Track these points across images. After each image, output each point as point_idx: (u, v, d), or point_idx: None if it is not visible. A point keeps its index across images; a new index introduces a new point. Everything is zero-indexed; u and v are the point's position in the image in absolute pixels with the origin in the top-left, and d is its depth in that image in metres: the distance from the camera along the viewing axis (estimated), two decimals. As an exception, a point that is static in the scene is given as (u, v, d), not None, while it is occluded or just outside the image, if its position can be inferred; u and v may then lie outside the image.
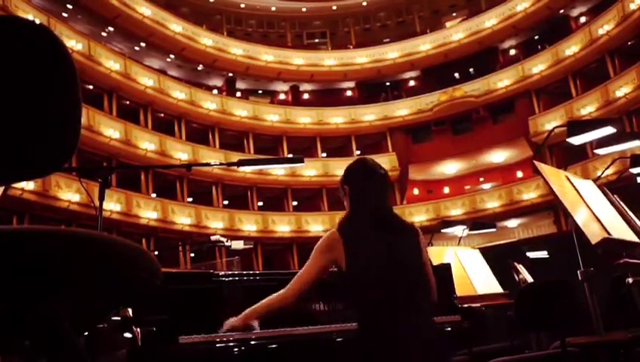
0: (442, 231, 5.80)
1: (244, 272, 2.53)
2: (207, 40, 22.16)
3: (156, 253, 15.41)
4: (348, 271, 1.99)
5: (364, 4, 26.11)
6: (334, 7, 26.03)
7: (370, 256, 1.99)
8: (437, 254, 4.36)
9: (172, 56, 22.16)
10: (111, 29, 20.32)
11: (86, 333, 1.37)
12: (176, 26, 21.29)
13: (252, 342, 2.09)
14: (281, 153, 22.02)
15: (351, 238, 2.01)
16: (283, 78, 24.32)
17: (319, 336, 2.24)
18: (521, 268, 3.97)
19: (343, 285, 2.04)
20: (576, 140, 3.10)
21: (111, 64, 17.83)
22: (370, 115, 23.27)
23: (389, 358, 1.89)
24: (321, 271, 2.04)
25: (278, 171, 20.51)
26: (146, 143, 18.00)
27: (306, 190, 21.81)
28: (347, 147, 23.32)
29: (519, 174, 20.57)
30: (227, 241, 4.13)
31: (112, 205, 15.47)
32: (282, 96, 25.58)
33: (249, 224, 19.52)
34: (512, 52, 23.57)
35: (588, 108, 18.14)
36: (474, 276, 4.17)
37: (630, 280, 2.59)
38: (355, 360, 2.01)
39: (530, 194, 19.11)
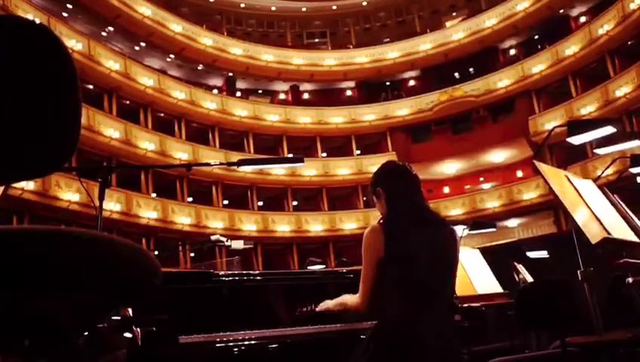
0: (442, 231, 5.78)
1: (244, 272, 2.53)
2: (207, 40, 22.16)
3: (156, 253, 15.41)
4: (387, 265, 2.03)
5: (364, 4, 26.11)
6: (334, 7, 26.03)
7: (413, 251, 2.04)
8: (437, 254, 4.36)
9: (172, 56, 22.16)
10: (111, 28, 20.31)
11: (86, 333, 1.37)
12: (176, 26, 21.28)
13: (252, 342, 2.09)
14: (281, 153, 22.02)
15: (393, 235, 2.05)
16: (283, 77, 24.32)
17: (319, 336, 2.24)
18: (521, 268, 3.97)
19: (380, 278, 2.07)
20: (576, 140, 3.10)
21: (111, 64, 17.83)
22: (370, 114, 23.27)
23: (412, 354, 1.93)
24: (378, 267, 2.06)
25: (278, 171, 20.51)
26: (146, 143, 17.99)
27: (306, 190, 21.81)
28: (347, 147, 23.33)
29: (519, 174, 20.58)
30: (227, 241, 4.13)
31: (112, 205, 15.47)
32: (282, 96, 25.58)
33: (249, 224, 19.53)
34: (512, 52, 23.56)
35: (588, 108, 18.14)
36: (474, 276, 4.17)
37: (630, 280, 2.59)
38: (380, 353, 2.02)
39: (530, 194, 19.11)
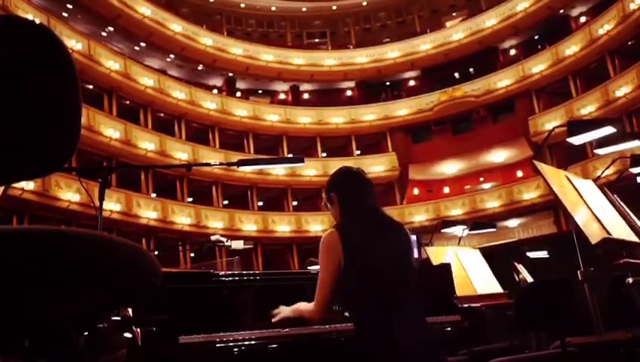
0: (442, 231, 5.80)
1: (244, 272, 2.53)
2: (207, 40, 22.16)
3: (156, 253, 15.41)
4: (346, 270, 2.01)
5: (364, 4, 26.11)
6: (334, 7, 26.03)
7: (368, 253, 2.03)
8: (437, 254, 4.36)
9: (172, 56, 22.16)
10: (111, 28, 20.32)
11: (86, 333, 1.37)
12: (176, 26, 21.29)
13: (252, 342, 2.10)
14: (281, 153, 22.02)
15: (348, 238, 2.04)
16: (283, 77, 24.32)
17: (319, 336, 2.24)
18: (521, 268, 3.96)
19: (341, 284, 2.05)
20: (577, 140, 3.10)
21: (111, 64, 17.83)
22: (370, 114, 23.27)
23: (388, 356, 1.91)
24: (336, 272, 2.03)
25: (278, 171, 20.51)
26: (146, 143, 18.00)
27: (306, 190, 21.80)
28: (347, 147, 23.33)
29: (519, 174, 20.57)
30: (227, 241, 4.13)
31: (112, 205, 15.47)
32: (282, 96, 25.58)
33: (249, 224, 19.53)
34: (512, 52, 23.57)
35: (588, 108, 18.14)
36: (474, 276, 4.17)
37: (630, 280, 2.59)
38: (354, 359, 2.01)
39: (530, 194, 19.11)
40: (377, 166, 22.40)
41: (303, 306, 2.13)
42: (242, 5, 25.19)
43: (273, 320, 2.16)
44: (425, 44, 23.83)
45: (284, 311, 2.17)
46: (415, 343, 1.93)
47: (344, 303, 2.12)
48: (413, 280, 2.10)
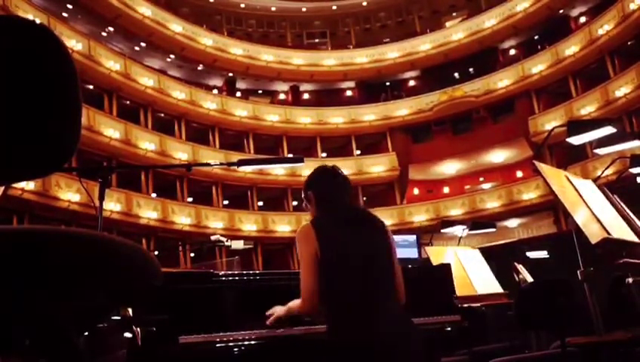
0: (442, 231, 5.80)
1: (244, 272, 2.53)
2: (207, 40, 22.16)
3: (156, 253, 15.41)
4: (321, 265, 2.00)
5: (364, 4, 26.11)
6: (334, 7, 26.03)
7: (343, 250, 2.02)
8: (437, 254, 4.36)
9: (172, 56, 22.16)
10: (111, 29, 20.32)
11: (86, 333, 1.37)
12: (176, 26, 21.29)
13: (252, 342, 2.09)
14: (281, 153, 22.02)
15: (323, 233, 2.04)
16: (283, 78, 24.33)
17: (319, 336, 2.24)
18: (521, 268, 3.97)
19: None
20: (576, 140, 3.10)
21: (111, 64, 17.83)
22: (370, 114, 23.27)
23: (365, 352, 1.88)
24: (315, 261, 2.01)
25: (278, 171, 20.50)
26: (146, 143, 18.00)
27: (306, 190, 21.76)
28: (347, 147, 23.33)
29: (519, 174, 20.57)
30: (227, 241, 4.13)
31: (112, 205, 15.47)
32: (282, 96, 25.58)
33: (249, 224, 19.53)
34: (512, 52, 23.57)
35: (588, 108, 18.15)
36: (474, 276, 4.17)
37: (630, 280, 2.59)
38: (331, 356, 1.98)
39: (530, 194, 19.11)
40: (377, 166, 22.40)
41: (293, 303, 2.11)
42: (242, 5, 25.20)
43: (267, 322, 2.15)
44: (425, 44, 23.83)
45: (277, 311, 2.16)
46: (393, 341, 1.89)
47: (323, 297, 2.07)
48: (393, 277, 2.08)
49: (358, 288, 1.97)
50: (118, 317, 1.89)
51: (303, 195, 2.29)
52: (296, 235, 2.08)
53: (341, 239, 2.04)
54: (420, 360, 1.96)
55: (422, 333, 2.13)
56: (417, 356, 1.95)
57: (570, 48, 19.51)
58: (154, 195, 18.11)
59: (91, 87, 17.35)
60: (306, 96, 25.72)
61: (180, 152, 18.97)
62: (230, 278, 2.35)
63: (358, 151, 23.45)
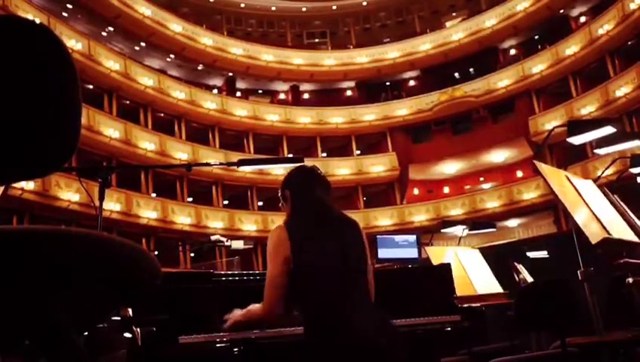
0: (442, 231, 5.80)
1: (244, 272, 2.53)
2: (207, 40, 22.16)
3: (156, 253, 15.42)
4: (295, 267, 1.98)
5: (364, 4, 26.11)
6: (334, 7, 26.02)
7: (319, 250, 2.00)
8: (437, 254, 4.36)
9: (172, 56, 22.16)
10: (111, 28, 20.31)
11: (86, 333, 1.37)
12: (176, 26, 21.29)
13: (252, 342, 2.09)
14: (281, 153, 22.02)
15: (297, 235, 2.02)
16: (283, 77, 24.32)
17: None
18: (521, 268, 3.97)
19: (291, 283, 2.00)
20: (577, 140, 3.10)
21: (111, 64, 17.83)
22: (370, 114, 23.27)
23: (344, 352, 1.86)
24: (284, 268, 1.98)
25: (278, 171, 20.46)
26: (146, 143, 18.00)
27: (306, 190, 21.76)
28: (347, 147, 23.32)
29: (519, 174, 20.57)
30: (227, 241, 4.13)
31: (112, 205, 15.47)
32: (282, 96, 25.58)
33: (249, 224, 19.53)
34: (512, 52, 23.56)
35: (588, 108, 18.14)
36: (474, 276, 4.17)
37: (630, 280, 2.59)
38: (309, 357, 1.97)
39: (530, 194, 19.11)
40: (377, 166, 22.40)
41: (253, 307, 2.05)
42: (242, 5, 25.19)
43: (225, 326, 2.06)
44: (425, 44, 23.83)
45: (234, 315, 2.08)
46: (372, 340, 1.87)
47: (293, 301, 2.04)
48: (367, 277, 2.06)
49: (335, 288, 1.95)
50: (118, 317, 1.89)
51: (279, 194, 2.25)
52: (269, 237, 2.04)
53: (314, 240, 2.02)
54: (402, 358, 1.93)
55: (400, 331, 2.13)
56: (397, 354, 1.92)
57: (571, 48, 19.51)
58: (154, 195, 18.11)
59: (91, 86, 17.35)
60: (306, 96, 25.72)
61: (180, 152, 18.97)
62: (230, 278, 2.35)
63: (358, 151, 23.45)
